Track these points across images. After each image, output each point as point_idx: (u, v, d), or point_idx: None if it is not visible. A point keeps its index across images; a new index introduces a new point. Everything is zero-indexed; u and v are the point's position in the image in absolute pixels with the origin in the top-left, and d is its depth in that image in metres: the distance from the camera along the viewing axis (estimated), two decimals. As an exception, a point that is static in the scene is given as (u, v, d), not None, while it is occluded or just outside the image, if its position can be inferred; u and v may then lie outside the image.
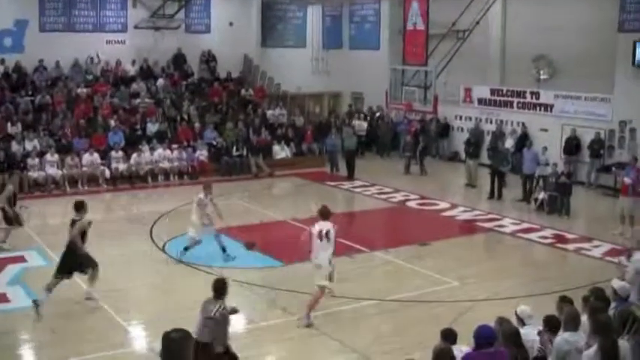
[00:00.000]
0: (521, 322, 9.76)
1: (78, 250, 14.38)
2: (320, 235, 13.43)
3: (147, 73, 32.99)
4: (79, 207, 14.73)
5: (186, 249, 17.40)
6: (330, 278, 13.62)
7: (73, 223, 14.57)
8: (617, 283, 10.60)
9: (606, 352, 7.78)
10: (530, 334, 9.35)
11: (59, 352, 12.48)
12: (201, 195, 17.43)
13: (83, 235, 14.51)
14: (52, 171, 25.62)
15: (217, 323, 10.02)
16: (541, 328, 9.34)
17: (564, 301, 9.89)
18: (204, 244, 17.80)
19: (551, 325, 9.11)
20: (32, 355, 12.91)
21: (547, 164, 23.75)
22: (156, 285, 16.01)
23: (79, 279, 15.59)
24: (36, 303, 13.92)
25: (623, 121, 25.79)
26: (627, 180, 20.14)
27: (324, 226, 13.53)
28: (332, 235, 13.46)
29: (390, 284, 16.25)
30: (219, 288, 10.33)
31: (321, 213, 13.81)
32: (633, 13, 25.21)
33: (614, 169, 23.04)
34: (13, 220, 18.72)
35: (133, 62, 32.95)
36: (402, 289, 15.68)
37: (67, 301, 14.61)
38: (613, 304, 10.10)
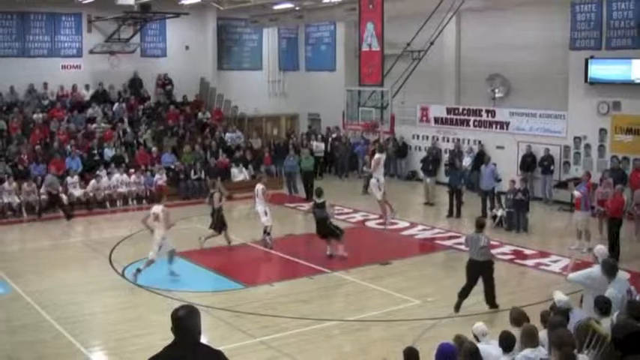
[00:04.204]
0: (476, 338, 9.86)
1: (330, 223, 19.65)
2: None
3: (103, 97, 32.81)
4: (320, 193, 19.92)
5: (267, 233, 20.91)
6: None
7: (318, 205, 19.61)
8: (557, 296, 10.75)
9: (566, 367, 7.83)
10: (485, 349, 9.39)
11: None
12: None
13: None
14: (9, 198, 25.36)
15: (488, 248, 15.14)
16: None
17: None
18: (165, 267, 17.74)
19: (507, 343, 9.16)
20: (-10, 385, 12.74)
21: (499, 180, 24.12)
22: (116, 310, 15.83)
23: (37, 305, 15.52)
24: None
25: (578, 137, 26.14)
26: (577, 194, 20.38)
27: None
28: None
29: (352, 304, 16.25)
30: (482, 223, 15.75)
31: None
32: (584, 32, 25.60)
33: (569, 184, 23.28)
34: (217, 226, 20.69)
35: (87, 87, 32.78)
36: (363, 309, 15.71)
37: (24, 329, 14.46)
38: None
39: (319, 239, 19.99)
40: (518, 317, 10.08)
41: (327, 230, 19.63)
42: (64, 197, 25.93)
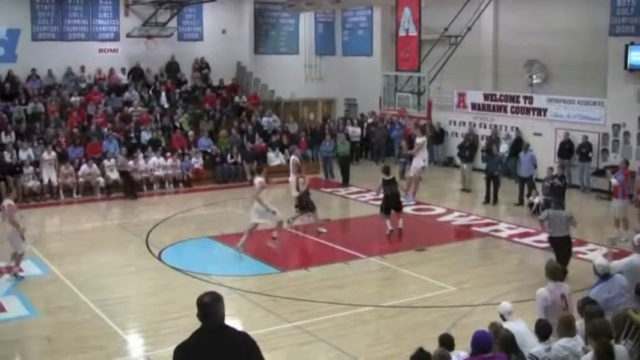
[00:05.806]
0: (502, 318, 9.90)
1: (397, 196, 20.42)
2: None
3: (139, 74, 32.99)
4: (388, 170, 20.49)
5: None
6: None
7: (386, 182, 20.17)
8: (597, 260, 10.88)
9: (602, 356, 7.79)
10: (512, 328, 9.35)
11: (56, 361, 12.48)
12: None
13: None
14: (49, 172, 25.61)
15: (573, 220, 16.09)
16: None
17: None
18: (201, 251, 17.86)
19: (543, 332, 9.13)
20: (29, 365, 12.90)
21: (535, 167, 24.18)
22: (152, 293, 15.97)
23: (75, 287, 15.70)
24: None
25: (617, 125, 25.86)
26: (614, 181, 20.15)
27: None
28: None
29: (387, 290, 16.28)
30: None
31: None
32: (624, 17, 25.27)
33: (607, 172, 23.04)
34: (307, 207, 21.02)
35: (123, 70, 32.97)
36: (399, 294, 15.71)
37: (62, 310, 14.64)
38: (595, 281, 10.92)
39: (381, 218, 20.68)
40: (553, 271, 10.47)
41: (398, 204, 20.51)
42: (101, 180, 26.18)
